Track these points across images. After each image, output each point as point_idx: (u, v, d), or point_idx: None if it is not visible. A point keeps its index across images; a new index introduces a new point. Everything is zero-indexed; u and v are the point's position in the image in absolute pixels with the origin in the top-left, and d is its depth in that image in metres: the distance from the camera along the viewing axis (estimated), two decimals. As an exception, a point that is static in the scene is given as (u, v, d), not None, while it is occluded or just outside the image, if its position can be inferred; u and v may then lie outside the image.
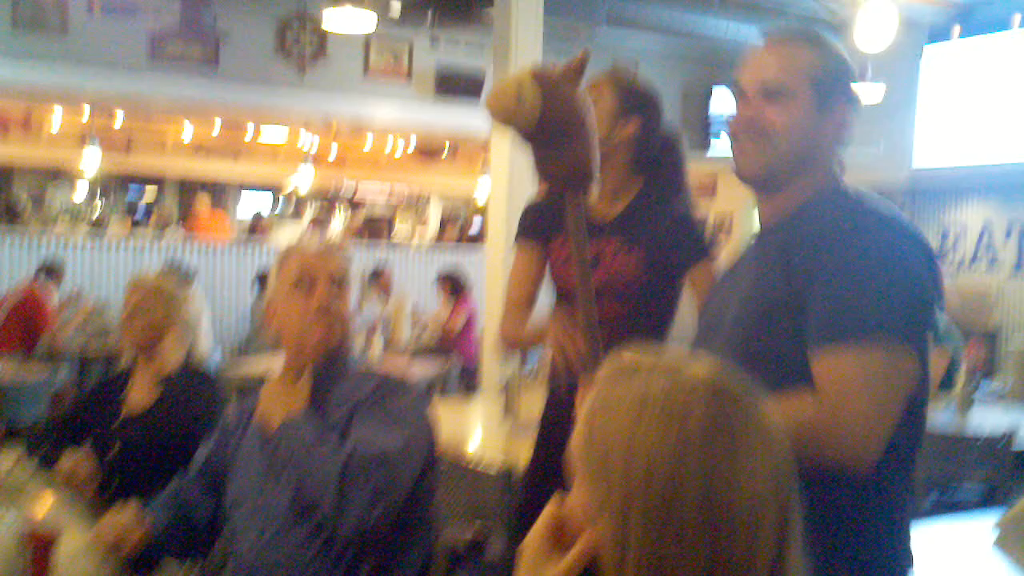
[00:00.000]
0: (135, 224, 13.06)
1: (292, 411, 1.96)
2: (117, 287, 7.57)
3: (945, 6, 7.97)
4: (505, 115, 1.64)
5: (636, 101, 2.43)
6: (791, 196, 1.64)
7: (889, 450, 1.47)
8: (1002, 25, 7.87)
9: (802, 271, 1.53)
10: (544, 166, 1.71)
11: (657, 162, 2.47)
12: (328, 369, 2.02)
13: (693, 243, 2.40)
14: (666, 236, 2.37)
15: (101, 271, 8.57)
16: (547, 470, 2.39)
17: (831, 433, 1.44)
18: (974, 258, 8.69)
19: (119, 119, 10.65)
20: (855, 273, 1.49)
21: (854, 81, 1.66)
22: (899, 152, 8.32)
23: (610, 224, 2.40)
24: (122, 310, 3.01)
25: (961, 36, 8.18)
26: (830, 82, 1.62)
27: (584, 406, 1.02)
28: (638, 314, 2.35)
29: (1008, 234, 8.42)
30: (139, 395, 2.95)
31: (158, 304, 2.95)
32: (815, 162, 1.64)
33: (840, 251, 1.52)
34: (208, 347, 7.35)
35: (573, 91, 1.68)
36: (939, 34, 8.29)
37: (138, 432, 2.86)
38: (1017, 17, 7.75)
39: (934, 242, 8.67)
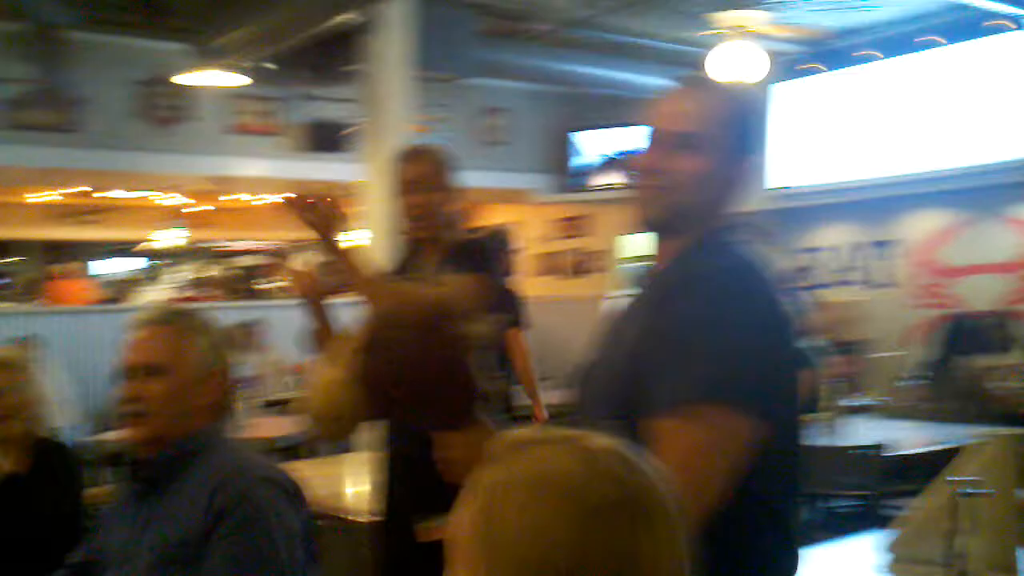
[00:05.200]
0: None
1: None
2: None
3: (797, 41, 8.31)
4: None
5: None
6: (684, 240, 1.61)
7: (751, 495, 1.47)
8: (853, 61, 8.27)
9: (646, 325, 1.54)
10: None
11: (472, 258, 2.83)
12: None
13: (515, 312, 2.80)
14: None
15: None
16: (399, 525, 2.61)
17: None
18: (841, 276, 8.92)
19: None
20: (688, 338, 1.47)
21: (763, 128, 1.67)
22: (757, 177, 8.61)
23: None
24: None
25: (814, 71, 8.56)
26: (744, 133, 1.61)
27: (473, 483, 0.94)
28: None
29: (870, 251, 8.73)
30: None
31: (5, 378, 2.80)
32: (716, 208, 1.62)
33: (678, 311, 1.50)
34: (70, 418, 6.98)
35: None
36: (793, 67, 8.66)
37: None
38: (866, 53, 8.16)
39: (797, 261, 8.98)
